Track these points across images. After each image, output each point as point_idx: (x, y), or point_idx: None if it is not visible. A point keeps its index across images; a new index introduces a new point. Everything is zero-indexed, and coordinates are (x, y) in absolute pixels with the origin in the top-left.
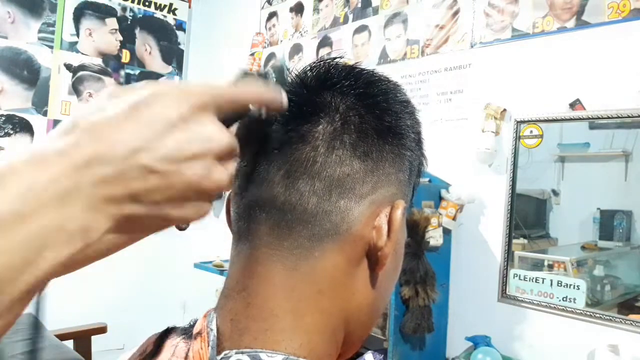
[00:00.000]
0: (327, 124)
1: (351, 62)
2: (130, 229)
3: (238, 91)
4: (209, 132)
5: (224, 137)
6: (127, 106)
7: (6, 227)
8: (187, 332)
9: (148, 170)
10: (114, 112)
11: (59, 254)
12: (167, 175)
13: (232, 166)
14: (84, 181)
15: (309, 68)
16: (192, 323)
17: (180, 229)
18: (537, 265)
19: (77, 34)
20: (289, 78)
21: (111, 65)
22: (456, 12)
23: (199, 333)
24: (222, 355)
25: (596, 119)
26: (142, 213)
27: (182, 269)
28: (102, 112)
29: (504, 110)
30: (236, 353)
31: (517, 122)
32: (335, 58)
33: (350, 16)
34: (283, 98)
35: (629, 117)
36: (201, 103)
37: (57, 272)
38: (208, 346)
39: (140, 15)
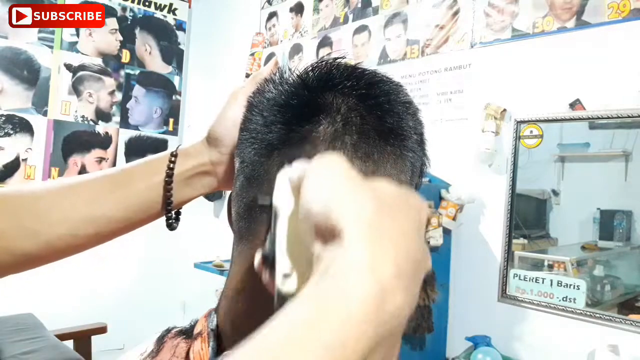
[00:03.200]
0: (328, 125)
1: (353, 63)
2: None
3: None
4: (428, 256)
5: (430, 260)
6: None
7: None
8: (188, 332)
9: (399, 313)
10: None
11: None
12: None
13: None
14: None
15: (310, 68)
16: (192, 323)
17: (172, 228)
18: (537, 265)
19: (77, 34)
20: (290, 79)
21: (111, 65)
22: (456, 12)
23: (200, 333)
24: (222, 355)
25: (596, 119)
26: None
27: (182, 269)
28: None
29: (504, 110)
30: None
31: (517, 122)
32: (337, 58)
33: (350, 16)
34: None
35: (629, 117)
36: (425, 221)
37: None
38: (208, 346)
39: (140, 15)
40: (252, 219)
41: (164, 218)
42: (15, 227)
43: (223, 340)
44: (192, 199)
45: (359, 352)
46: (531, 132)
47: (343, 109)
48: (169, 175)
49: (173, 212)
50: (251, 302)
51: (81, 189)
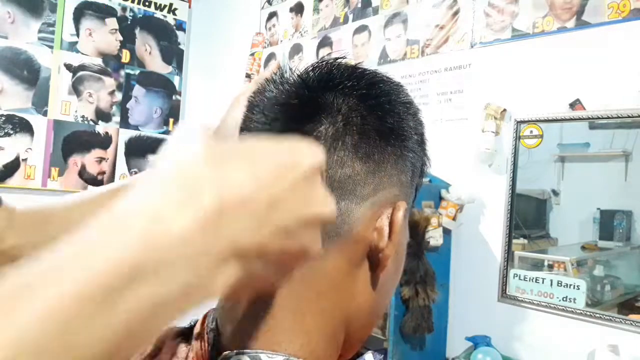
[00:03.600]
0: (329, 125)
1: (354, 63)
2: (239, 285)
3: None
4: (324, 199)
5: (332, 205)
6: (255, 149)
7: (122, 287)
8: (187, 333)
9: (277, 230)
10: (251, 157)
11: (174, 310)
12: (289, 237)
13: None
14: (214, 237)
15: (311, 68)
16: (192, 323)
17: None
18: (537, 265)
19: (77, 34)
20: (291, 78)
21: (111, 65)
22: (456, 12)
23: (199, 334)
24: (222, 356)
25: (596, 119)
26: (258, 272)
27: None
28: (234, 150)
29: (504, 110)
30: (236, 354)
31: (517, 122)
32: (337, 58)
33: (350, 16)
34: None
35: (629, 117)
36: (319, 165)
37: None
38: (208, 347)
39: (140, 15)
40: None
41: None
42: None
43: (222, 340)
44: None
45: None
46: (531, 132)
47: (344, 109)
48: None
49: None
50: (250, 301)
51: (101, 198)
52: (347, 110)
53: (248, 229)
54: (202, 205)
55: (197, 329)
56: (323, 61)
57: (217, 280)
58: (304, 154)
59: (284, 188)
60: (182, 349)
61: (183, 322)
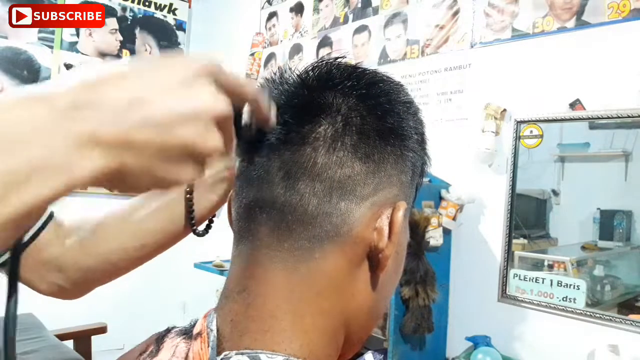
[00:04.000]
0: (328, 125)
1: (354, 62)
2: (121, 179)
3: (239, 79)
4: (206, 95)
5: (220, 101)
6: (130, 68)
7: None
8: (188, 332)
9: (143, 122)
10: (116, 71)
11: (41, 189)
12: (162, 131)
13: (229, 133)
14: (68, 122)
15: (310, 68)
16: (192, 323)
17: (199, 235)
18: (537, 265)
19: (77, 34)
20: (290, 78)
21: None
22: (456, 12)
23: (199, 334)
24: (222, 356)
25: (596, 119)
26: (133, 165)
27: (182, 269)
28: (102, 72)
29: (504, 110)
30: (236, 354)
31: (517, 122)
32: (337, 58)
33: (350, 16)
34: (272, 114)
35: (629, 117)
36: (204, 70)
37: (41, 206)
38: (208, 347)
39: (140, 15)
40: (251, 219)
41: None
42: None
43: (222, 340)
44: (218, 205)
45: None
46: (531, 132)
47: (343, 109)
48: (190, 185)
49: (201, 219)
50: (251, 301)
51: (122, 210)
52: (347, 110)
53: (106, 121)
54: (55, 102)
55: (197, 329)
56: (323, 61)
57: (81, 163)
58: (189, 61)
59: (154, 85)
60: (182, 348)
61: (183, 322)
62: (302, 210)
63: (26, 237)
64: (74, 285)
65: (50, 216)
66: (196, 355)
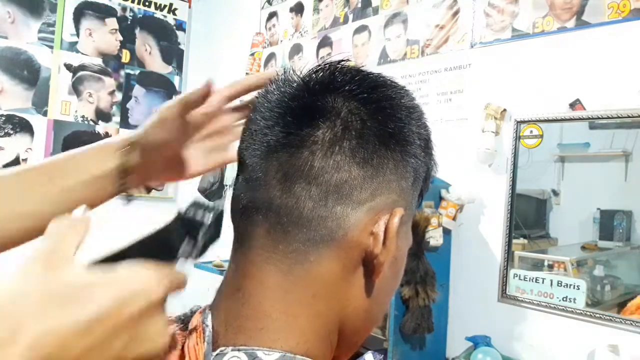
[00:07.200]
0: (327, 129)
1: (359, 66)
2: None
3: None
4: (155, 334)
5: (165, 338)
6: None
7: None
8: (184, 322)
9: None
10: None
11: None
12: None
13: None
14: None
15: (314, 71)
16: (191, 311)
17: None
18: (537, 265)
19: (77, 34)
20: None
21: (111, 65)
22: (456, 12)
23: (195, 329)
24: (217, 351)
25: (596, 119)
26: None
27: (182, 269)
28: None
29: (504, 110)
30: (232, 350)
31: (517, 122)
32: (341, 61)
33: (350, 16)
34: (183, 282)
35: (629, 117)
36: (156, 300)
37: None
38: (204, 342)
39: (140, 15)
40: (248, 219)
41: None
42: None
43: (218, 337)
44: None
45: None
46: (531, 132)
47: (343, 113)
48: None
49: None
50: (245, 301)
51: (10, 182)
52: (347, 114)
53: None
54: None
55: (193, 324)
56: (326, 64)
57: None
58: (139, 293)
59: (103, 334)
60: (178, 340)
61: (184, 309)
62: (298, 213)
63: None
64: None
65: None
66: (191, 350)
